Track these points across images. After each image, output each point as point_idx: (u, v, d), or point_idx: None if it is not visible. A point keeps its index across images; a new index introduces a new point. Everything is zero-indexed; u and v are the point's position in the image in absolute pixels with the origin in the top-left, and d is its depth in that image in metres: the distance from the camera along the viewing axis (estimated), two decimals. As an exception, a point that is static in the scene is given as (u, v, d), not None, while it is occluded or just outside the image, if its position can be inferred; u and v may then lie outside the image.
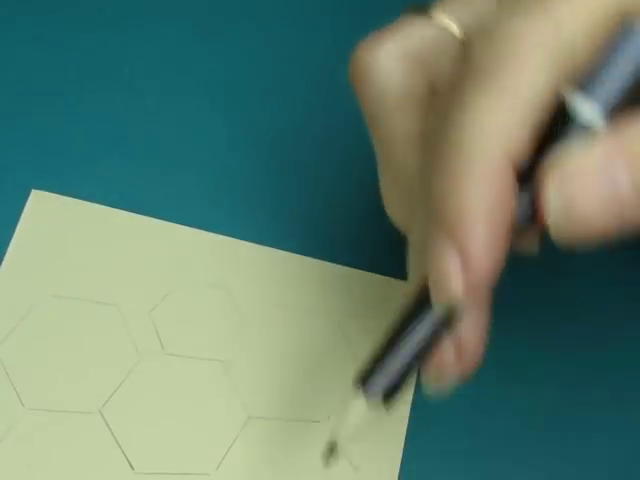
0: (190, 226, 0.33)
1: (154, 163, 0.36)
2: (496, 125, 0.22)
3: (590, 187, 0.21)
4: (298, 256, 0.34)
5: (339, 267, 0.34)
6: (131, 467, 0.30)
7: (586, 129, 0.22)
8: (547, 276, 0.35)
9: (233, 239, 0.34)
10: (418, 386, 0.31)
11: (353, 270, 0.34)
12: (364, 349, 0.32)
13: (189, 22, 0.39)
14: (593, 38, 0.22)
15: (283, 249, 0.34)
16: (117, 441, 0.30)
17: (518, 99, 0.22)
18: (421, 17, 0.27)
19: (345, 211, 0.35)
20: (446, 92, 0.25)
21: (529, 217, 0.22)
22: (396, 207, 0.26)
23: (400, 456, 0.30)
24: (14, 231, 0.33)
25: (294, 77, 0.38)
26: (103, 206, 0.33)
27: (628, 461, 0.31)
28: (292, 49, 0.39)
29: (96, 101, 0.37)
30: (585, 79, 0.22)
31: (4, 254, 0.33)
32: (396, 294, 0.33)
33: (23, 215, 0.34)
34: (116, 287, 0.33)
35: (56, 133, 0.36)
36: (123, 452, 0.30)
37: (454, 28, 0.26)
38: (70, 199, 0.34)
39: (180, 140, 0.37)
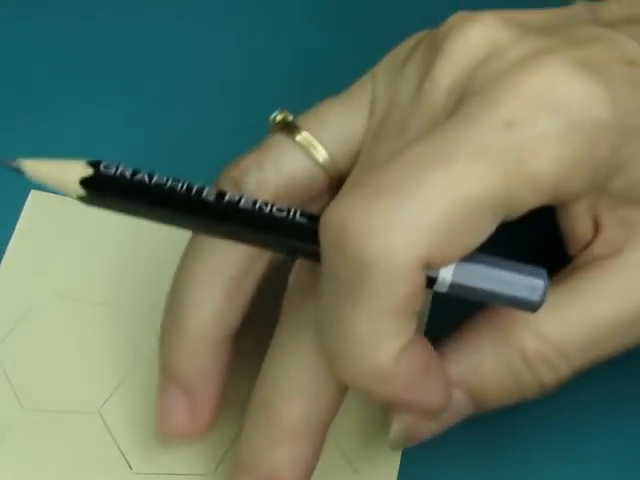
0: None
1: (155, 163, 0.36)
2: None
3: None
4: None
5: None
6: (130, 467, 0.30)
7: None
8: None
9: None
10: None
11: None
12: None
13: (190, 21, 0.40)
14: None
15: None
16: (116, 441, 0.30)
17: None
18: (295, 142, 0.28)
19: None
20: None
21: None
22: None
23: (399, 458, 0.30)
24: (12, 231, 0.33)
25: (294, 77, 0.38)
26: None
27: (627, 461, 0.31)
28: (292, 48, 0.39)
29: (97, 101, 0.37)
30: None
31: (2, 254, 0.33)
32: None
33: (22, 215, 0.34)
34: (114, 287, 0.33)
35: (55, 133, 0.36)
36: (122, 452, 0.30)
37: (324, 155, 0.28)
38: (69, 199, 0.34)
39: (181, 140, 0.37)
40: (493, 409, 0.27)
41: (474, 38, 0.25)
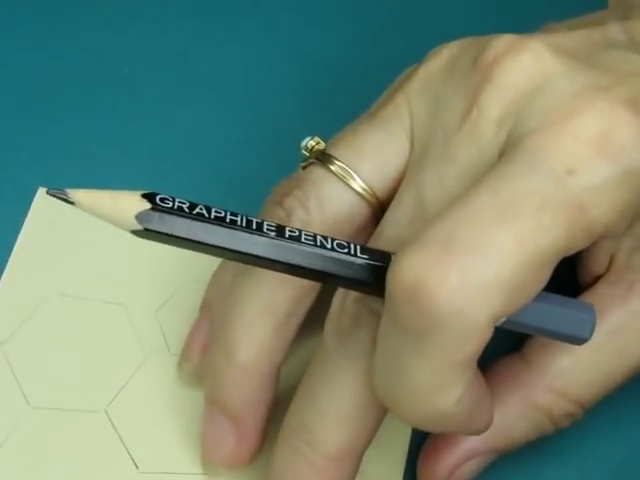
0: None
1: (156, 162, 0.36)
2: None
3: None
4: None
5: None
6: (136, 466, 0.29)
7: None
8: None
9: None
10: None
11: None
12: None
13: (189, 22, 0.39)
14: None
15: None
16: (122, 440, 0.30)
17: None
18: (337, 178, 0.27)
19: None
20: None
21: None
22: None
23: (405, 460, 0.30)
24: (20, 229, 0.33)
25: (295, 77, 0.38)
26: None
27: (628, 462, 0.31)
28: (293, 48, 0.39)
29: (98, 101, 0.37)
30: None
31: (10, 252, 0.33)
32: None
33: (30, 213, 0.33)
34: (122, 286, 0.32)
35: (60, 132, 0.36)
36: (128, 451, 0.30)
37: (361, 185, 0.27)
38: None
39: (182, 139, 0.37)
40: None
41: (524, 67, 0.25)
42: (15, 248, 0.33)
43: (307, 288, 0.27)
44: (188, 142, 0.36)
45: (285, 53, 0.39)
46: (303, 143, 0.29)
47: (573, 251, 0.23)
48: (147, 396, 0.31)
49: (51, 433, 0.30)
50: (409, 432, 0.31)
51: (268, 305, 0.27)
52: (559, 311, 0.24)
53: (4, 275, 0.32)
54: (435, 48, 0.28)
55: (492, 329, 0.22)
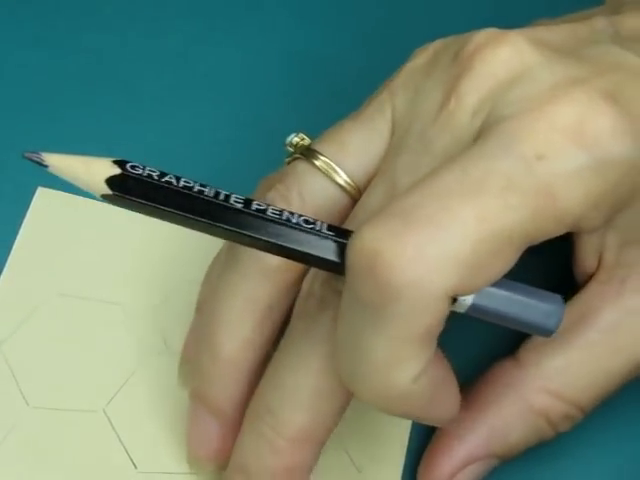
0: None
1: (156, 162, 0.35)
2: None
3: None
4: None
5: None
6: (134, 466, 0.29)
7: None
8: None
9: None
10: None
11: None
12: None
13: (189, 23, 0.39)
14: None
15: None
16: (120, 440, 0.30)
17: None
18: (320, 171, 0.28)
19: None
20: None
21: None
22: None
23: (403, 458, 0.30)
24: (19, 228, 0.33)
25: (294, 77, 0.38)
26: (108, 204, 0.33)
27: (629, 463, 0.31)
28: (291, 49, 0.39)
29: (98, 101, 0.37)
30: None
31: (9, 252, 0.33)
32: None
33: (29, 212, 0.34)
34: (121, 286, 0.32)
35: (60, 132, 0.36)
36: (126, 451, 0.30)
37: (353, 187, 0.28)
38: (75, 196, 0.34)
39: (181, 139, 0.37)
40: None
41: (503, 58, 0.25)
42: (14, 247, 0.33)
43: (290, 281, 0.27)
44: (187, 142, 0.37)
45: (284, 54, 0.39)
46: (288, 139, 0.29)
47: (543, 238, 0.23)
48: (145, 396, 0.31)
49: (50, 433, 0.30)
50: (408, 431, 0.31)
51: (250, 300, 0.27)
52: (526, 300, 0.24)
53: (3, 275, 0.32)
54: (421, 46, 0.29)
55: (448, 305, 0.22)
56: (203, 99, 0.38)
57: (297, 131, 0.29)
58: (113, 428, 0.30)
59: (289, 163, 0.29)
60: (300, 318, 0.26)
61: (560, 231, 0.23)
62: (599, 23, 0.27)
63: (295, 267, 0.27)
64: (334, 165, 0.27)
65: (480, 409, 0.28)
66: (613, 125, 0.23)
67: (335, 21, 0.40)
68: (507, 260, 0.23)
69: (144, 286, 0.32)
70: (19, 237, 0.33)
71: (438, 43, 0.28)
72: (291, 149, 0.29)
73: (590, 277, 0.28)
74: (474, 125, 0.25)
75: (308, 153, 0.28)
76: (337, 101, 0.34)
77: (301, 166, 0.28)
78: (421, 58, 0.28)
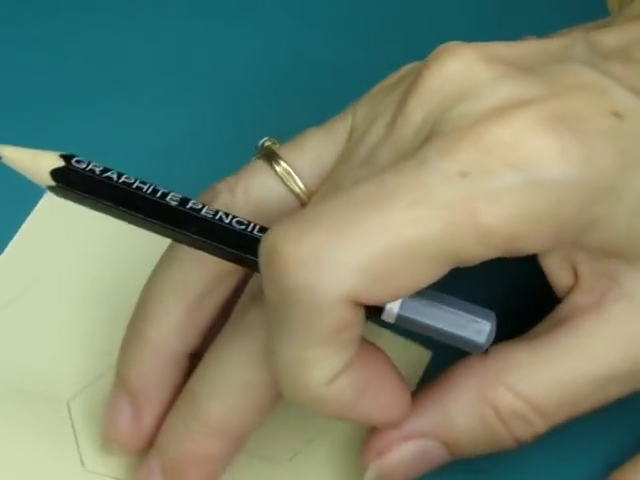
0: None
1: (155, 162, 0.36)
2: None
3: None
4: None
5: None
6: (82, 463, 0.29)
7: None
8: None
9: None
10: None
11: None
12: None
13: (189, 23, 0.40)
14: None
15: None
16: (75, 435, 0.30)
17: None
18: (270, 168, 0.28)
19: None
20: None
21: None
22: None
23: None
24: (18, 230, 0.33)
25: (293, 78, 0.38)
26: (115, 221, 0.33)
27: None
28: (291, 49, 0.39)
29: (97, 101, 0.37)
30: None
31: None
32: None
33: (30, 216, 0.34)
34: (113, 288, 0.33)
35: (60, 132, 0.36)
36: (78, 447, 0.30)
37: (298, 184, 0.28)
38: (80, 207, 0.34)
39: (181, 139, 0.37)
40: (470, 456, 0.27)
41: (449, 74, 0.25)
42: (7, 248, 0.33)
43: (223, 271, 0.27)
44: (187, 142, 0.37)
45: (283, 54, 0.39)
46: (260, 142, 0.30)
47: (470, 258, 0.23)
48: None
49: (5, 414, 0.30)
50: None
51: (180, 285, 0.27)
52: (457, 314, 0.24)
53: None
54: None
55: (353, 310, 0.22)
56: (203, 99, 0.38)
57: (270, 135, 0.30)
58: (71, 421, 0.30)
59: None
60: (235, 312, 0.27)
61: (491, 253, 0.23)
62: (574, 39, 0.27)
63: None
64: (291, 172, 0.28)
65: (432, 392, 0.27)
66: (551, 147, 0.23)
67: (339, 21, 0.40)
68: (421, 274, 0.23)
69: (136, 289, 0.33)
70: (16, 236, 0.33)
71: (410, 64, 0.28)
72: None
73: (567, 293, 0.27)
74: (416, 142, 0.25)
75: (269, 155, 0.28)
76: (341, 101, 0.34)
77: (256, 164, 0.28)
78: (392, 78, 0.28)
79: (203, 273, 0.27)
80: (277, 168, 0.28)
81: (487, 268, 0.24)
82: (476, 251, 0.23)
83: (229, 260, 0.25)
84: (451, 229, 0.22)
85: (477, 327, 0.24)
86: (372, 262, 0.22)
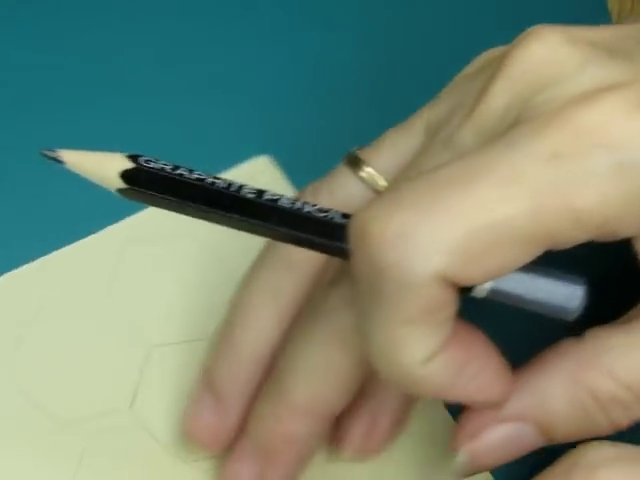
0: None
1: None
2: None
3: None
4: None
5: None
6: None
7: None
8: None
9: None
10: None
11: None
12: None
13: (189, 23, 0.39)
14: None
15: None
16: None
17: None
18: (352, 170, 0.28)
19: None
20: None
21: None
22: None
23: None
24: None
25: (293, 78, 0.38)
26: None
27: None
28: (292, 49, 0.39)
29: (97, 101, 0.37)
30: None
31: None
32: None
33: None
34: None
35: (60, 132, 0.36)
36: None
37: (381, 182, 0.28)
38: None
39: (181, 139, 0.37)
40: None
41: (535, 58, 0.25)
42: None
43: (311, 274, 0.28)
44: (187, 142, 0.36)
45: (283, 54, 0.39)
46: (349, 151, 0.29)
47: (564, 241, 0.23)
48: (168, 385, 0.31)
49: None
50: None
51: (273, 291, 0.28)
52: (548, 282, 0.24)
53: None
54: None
55: (445, 289, 0.22)
56: (203, 99, 0.38)
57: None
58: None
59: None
60: (315, 296, 0.27)
61: (585, 236, 0.23)
62: None
63: (319, 261, 0.28)
64: (372, 170, 0.28)
65: (526, 375, 0.26)
66: (638, 129, 0.22)
67: (341, 21, 0.40)
68: (514, 254, 0.22)
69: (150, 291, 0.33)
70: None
71: (493, 49, 0.28)
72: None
73: None
74: (500, 127, 0.25)
75: (353, 161, 0.28)
76: (342, 101, 0.35)
77: (341, 169, 0.28)
78: (472, 66, 0.28)
79: (293, 282, 0.28)
80: (359, 171, 0.28)
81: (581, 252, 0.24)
82: (569, 234, 0.23)
83: (311, 248, 0.25)
84: (543, 210, 0.22)
85: (569, 293, 0.24)
86: (461, 241, 0.22)
